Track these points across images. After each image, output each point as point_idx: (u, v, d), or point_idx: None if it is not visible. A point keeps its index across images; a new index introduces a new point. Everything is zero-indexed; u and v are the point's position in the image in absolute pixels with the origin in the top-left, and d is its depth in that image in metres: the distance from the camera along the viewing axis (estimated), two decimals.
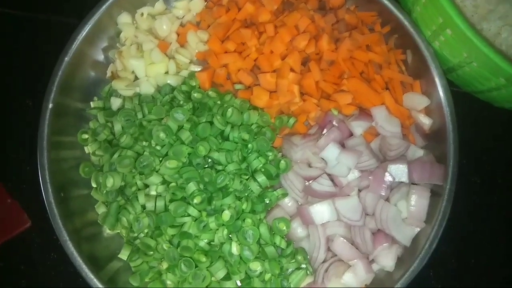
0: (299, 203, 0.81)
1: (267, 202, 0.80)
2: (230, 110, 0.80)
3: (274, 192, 0.80)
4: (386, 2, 0.84)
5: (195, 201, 0.75)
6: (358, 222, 0.76)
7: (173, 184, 0.77)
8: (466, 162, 0.85)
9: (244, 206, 0.78)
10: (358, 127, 0.80)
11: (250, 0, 0.83)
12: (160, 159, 0.78)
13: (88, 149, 0.83)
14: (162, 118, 0.79)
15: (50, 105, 0.79)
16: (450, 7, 0.70)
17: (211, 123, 0.81)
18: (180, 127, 0.79)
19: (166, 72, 0.86)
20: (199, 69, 0.87)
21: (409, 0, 0.83)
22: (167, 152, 0.77)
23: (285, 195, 0.81)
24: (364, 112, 0.82)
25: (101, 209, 0.81)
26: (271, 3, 0.82)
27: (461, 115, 0.81)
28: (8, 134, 0.90)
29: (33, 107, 0.90)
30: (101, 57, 0.87)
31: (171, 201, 0.76)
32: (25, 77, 0.93)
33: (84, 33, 0.82)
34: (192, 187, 0.76)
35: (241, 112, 0.81)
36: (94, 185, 0.81)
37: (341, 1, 0.86)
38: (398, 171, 0.78)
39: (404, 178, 0.78)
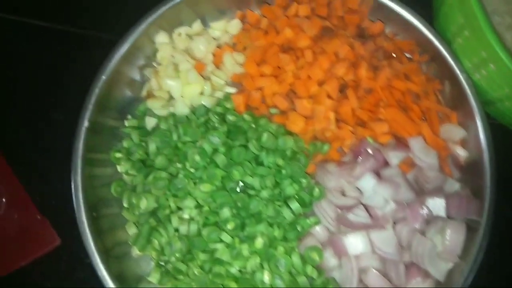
0: (331, 232, 0.80)
1: (299, 229, 0.79)
2: (265, 135, 0.79)
3: (307, 220, 0.79)
4: (425, 31, 0.83)
5: (229, 227, 0.74)
6: (394, 256, 0.75)
7: (206, 208, 0.76)
8: (500, 195, 0.83)
9: (276, 233, 0.77)
10: (395, 157, 0.79)
11: (289, 25, 0.83)
12: (194, 181, 0.77)
13: (120, 168, 0.82)
14: (197, 141, 0.79)
15: (86, 124, 0.78)
16: (497, 44, 0.69)
17: (245, 146, 0.80)
18: (215, 150, 0.78)
19: (201, 93, 0.85)
20: (233, 91, 0.86)
21: (450, 31, 0.82)
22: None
23: (317, 223, 0.79)
24: (400, 142, 0.81)
25: (132, 230, 0.80)
26: (311, 29, 0.81)
27: (495, 148, 0.80)
28: (38, 148, 0.90)
29: (64, 122, 0.90)
30: (137, 75, 0.87)
31: (204, 225, 0.75)
32: (57, 91, 0.93)
33: (122, 51, 0.81)
34: (226, 212, 0.75)
35: (276, 137, 0.80)
36: (126, 205, 0.80)
37: (380, 29, 0.86)
38: (435, 205, 0.76)
39: (442, 213, 0.77)
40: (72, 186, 0.76)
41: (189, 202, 0.75)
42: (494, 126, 0.84)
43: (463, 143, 0.84)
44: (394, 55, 0.86)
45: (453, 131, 0.84)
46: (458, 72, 0.81)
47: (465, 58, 0.80)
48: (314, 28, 0.81)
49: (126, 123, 0.84)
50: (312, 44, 0.82)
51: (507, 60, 0.69)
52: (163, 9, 0.82)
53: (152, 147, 0.79)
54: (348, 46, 0.80)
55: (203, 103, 0.84)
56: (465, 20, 0.75)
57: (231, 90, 0.86)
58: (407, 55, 0.87)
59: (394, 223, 0.78)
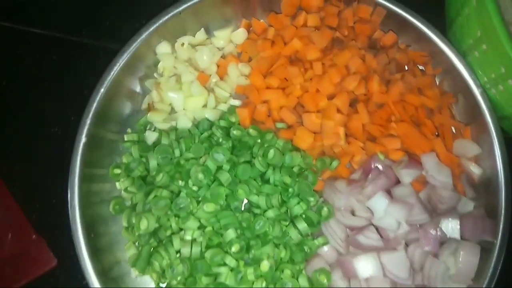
0: (340, 252, 0.77)
1: (307, 251, 0.75)
2: (272, 151, 0.75)
3: (315, 241, 0.75)
4: (440, 43, 0.79)
5: (233, 249, 0.71)
6: (406, 281, 0.72)
7: (209, 228, 0.73)
8: None
9: (282, 255, 0.73)
10: (407, 175, 0.76)
11: (298, 35, 0.79)
12: (197, 200, 0.74)
13: (120, 184, 0.78)
14: (201, 157, 0.75)
15: (84, 139, 0.74)
16: None
17: (250, 162, 0.77)
18: (219, 168, 0.74)
19: (204, 105, 0.81)
20: (238, 103, 0.82)
21: (465, 43, 0.78)
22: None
23: (326, 243, 0.76)
24: (412, 159, 0.78)
25: (131, 251, 0.76)
26: (321, 41, 0.77)
27: (510, 163, 0.77)
28: (34, 164, 0.85)
29: (62, 135, 0.86)
30: (137, 87, 0.83)
31: (207, 247, 0.72)
32: (53, 103, 0.88)
33: (122, 62, 0.77)
34: (230, 234, 0.71)
35: (283, 153, 0.77)
36: (125, 224, 0.76)
37: (393, 40, 0.82)
38: (449, 227, 0.73)
39: (456, 234, 0.73)
40: (69, 207, 0.72)
41: (191, 223, 0.71)
42: (508, 140, 0.81)
43: (476, 159, 0.80)
44: (406, 67, 0.82)
45: (466, 147, 0.80)
46: (473, 86, 0.78)
47: (481, 72, 0.77)
48: (324, 40, 0.77)
49: (126, 137, 0.80)
50: (321, 56, 0.78)
51: None
52: (165, 18, 0.79)
53: (152, 163, 0.75)
54: (359, 58, 0.76)
55: (207, 117, 0.80)
56: (483, 33, 0.71)
57: (236, 102, 0.82)
58: (420, 67, 0.84)
59: (406, 244, 0.75)
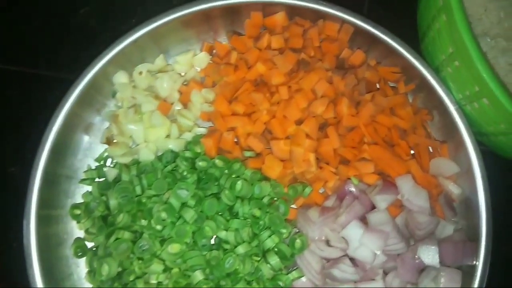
0: (316, 285, 0.73)
1: (282, 285, 0.71)
2: (239, 183, 0.72)
3: (289, 275, 0.72)
4: (410, 58, 0.75)
5: None
6: None
7: (175, 270, 0.69)
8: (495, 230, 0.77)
9: None
10: (382, 201, 0.72)
11: (261, 58, 0.75)
12: (161, 238, 0.70)
13: (80, 226, 0.74)
14: (164, 193, 0.71)
15: (38, 179, 0.70)
16: (492, 81, 0.61)
17: (217, 194, 0.73)
18: (184, 204, 0.70)
19: (167, 136, 0.77)
20: (203, 131, 0.78)
21: (438, 59, 0.74)
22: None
23: (300, 277, 0.73)
24: (388, 183, 0.74)
25: None
26: (284, 65, 0.73)
27: (488, 176, 0.73)
28: None
29: (19, 175, 0.81)
30: (95, 119, 0.78)
31: None
32: (10, 141, 0.83)
33: (76, 94, 0.73)
34: (198, 276, 0.67)
35: (251, 184, 0.73)
36: (87, 268, 0.72)
37: (361, 59, 0.78)
38: (428, 255, 0.70)
39: (435, 261, 0.70)
40: (25, 254, 0.68)
41: (155, 267, 0.67)
42: (485, 153, 0.77)
43: (455, 178, 0.77)
44: (377, 85, 0.78)
45: (444, 166, 0.77)
46: (448, 103, 0.74)
47: (455, 88, 0.73)
48: (288, 64, 0.73)
49: (84, 175, 0.76)
50: (287, 80, 0.74)
51: (504, 100, 0.62)
52: (120, 46, 0.74)
53: (113, 203, 0.71)
54: (326, 82, 0.72)
55: (170, 147, 0.76)
56: (455, 49, 0.68)
57: (201, 130, 0.78)
58: (392, 84, 0.80)
59: (385, 272, 0.72)
